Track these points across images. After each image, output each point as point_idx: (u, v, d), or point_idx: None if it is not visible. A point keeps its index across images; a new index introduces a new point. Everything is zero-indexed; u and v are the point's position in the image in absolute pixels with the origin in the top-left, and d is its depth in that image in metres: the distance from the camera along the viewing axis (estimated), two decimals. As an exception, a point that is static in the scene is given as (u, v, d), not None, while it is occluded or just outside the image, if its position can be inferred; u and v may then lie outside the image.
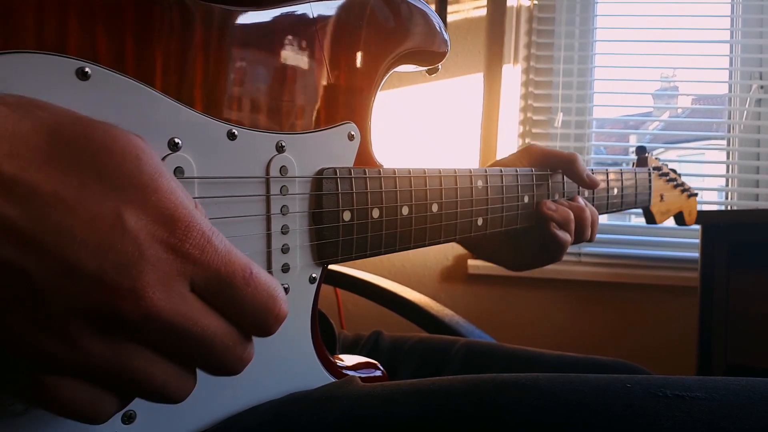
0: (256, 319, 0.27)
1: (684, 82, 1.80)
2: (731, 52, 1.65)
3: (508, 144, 1.67)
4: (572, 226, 0.61)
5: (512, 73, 1.67)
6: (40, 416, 0.29)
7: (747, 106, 1.62)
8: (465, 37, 1.70)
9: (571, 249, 1.64)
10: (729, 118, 1.66)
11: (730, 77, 1.65)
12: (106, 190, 0.23)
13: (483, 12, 1.70)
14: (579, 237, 0.63)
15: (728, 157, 1.66)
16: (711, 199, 1.70)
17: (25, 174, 0.21)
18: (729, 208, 1.65)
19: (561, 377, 0.35)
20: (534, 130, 1.71)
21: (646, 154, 0.82)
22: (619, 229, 1.70)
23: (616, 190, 0.72)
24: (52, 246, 0.22)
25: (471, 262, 1.67)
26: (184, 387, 0.26)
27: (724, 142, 1.67)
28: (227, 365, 0.27)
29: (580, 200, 0.64)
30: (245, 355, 0.27)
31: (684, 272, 1.54)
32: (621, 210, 0.75)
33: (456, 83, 1.71)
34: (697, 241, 1.25)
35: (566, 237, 0.61)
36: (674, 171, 0.87)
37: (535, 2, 1.71)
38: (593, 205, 0.67)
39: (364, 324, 1.15)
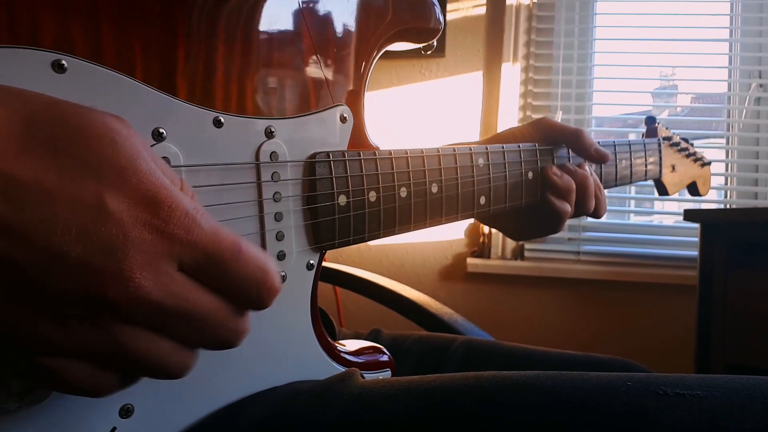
0: (248, 293, 0.27)
1: (683, 81, 1.80)
2: (730, 50, 1.65)
3: (507, 142, 1.67)
4: (573, 196, 0.60)
5: (511, 72, 1.67)
6: (34, 414, 0.29)
7: (746, 104, 1.62)
8: (464, 35, 1.70)
9: (570, 248, 1.66)
10: (728, 116, 1.67)
11: (730, 76, 1.65)
12: (86, 174, 0.23)
13: (482, 10, 1.70)
14: (580, 207, 0.61)
15: (727, 156, 1.66)
16: (710, 197, 1.70)
17: (3, 163, 0.21)
18: (728, 206, 1.65)
19: (562, 375, 0.34)
20: (533, 129, 1.71)
21: (656, 124, 0.79)
22: (618, 228, 1.70)
23: (624, 162, 0.69)
24: (36, 234, 0.22)
25: (470, 260, 1.67)
26: (185, 361, 0.26)
27: (723, 140, 1.68)
28: (222, 339, 0.27)
29: (586, 167, 0.63)
30: (240, 328, 0.27)
31: (683, 271, 1.54)
32: (631, 182, 0.73)
33: (455, 81, 1.71)
34: (696, 239, 1.25)
35: (564, 207, 0.60)
36: (686, 140, 0.84)
37: (535, 1, 1.71)
38: (601, 179, 0.66)
39: (363, 322, 1.15)
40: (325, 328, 0.57)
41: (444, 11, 1.69)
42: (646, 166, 0.74)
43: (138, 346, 0.24)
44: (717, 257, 1.19)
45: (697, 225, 1.25)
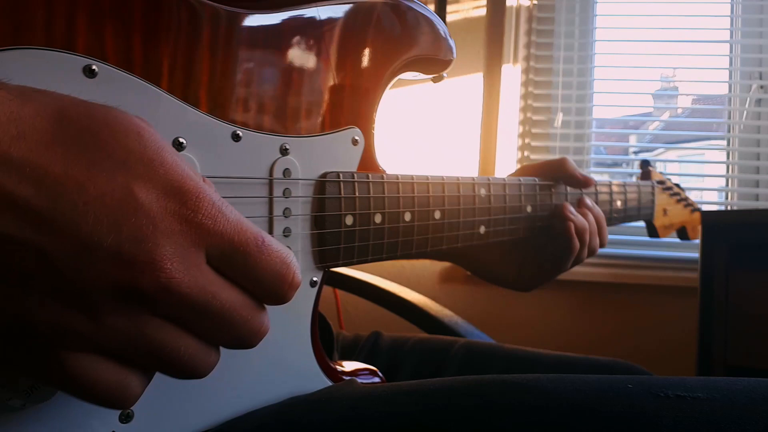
0: (271, 286, 0.27)
1: (684, 82, 1.80)
2: (731, 52, 1.65)
3: (507, 144, 1.67)
4: (587, 236, 0.61)
5: (512, 73, 1.67)
6: (39, 411, 0.29)
7: (747, 106, 1.62)
8: (464, 36, 1.70)
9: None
10: (729, 118, 1.66)
11: (730, 77, 1.65)
12: (114, 166, 0.23)
13: (482, 12, 1.70)
14: (591, 246, 0.63)
15: (728, 157, 1.66)
16: (711, 199, 1.70)
17: (34, 155, 0.22)
18: (729, 208, 1.65)
19: (563, 378, 0.34)
20: (534, 130, 1.71)
21: (650, 167, 0.83)
22: (619, 230, 1.69)
23: (619, 203, 0.72)
24: (67, 224, 0.22)
25: (470, 262, 1.67)
26: (209, 361, 0.27)
27: (724, 142, 1.67)
28: (245, 338, 0.27)
29: (588, 201, 0.65)
30: (263, 328, 0.27)
31: (684, 272, 1.54)
32: (623, 222, 0.75)
33: (455, 83, 1.71)
34: (697, 241, 1.25)
35: (577, 244, 0.61)
36: (678, 186, 0.87)
37: (535, 2, 1.71)
38: None
39: (364, 325, 1.15)
40: (323, 333, 0.57)
41: (444, 13, 1.69)
42: (639, 209, 0.77)
43: (168, 341, 0.24)
44: (718, 259, 1.19)
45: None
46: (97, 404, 0.25)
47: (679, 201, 0.87)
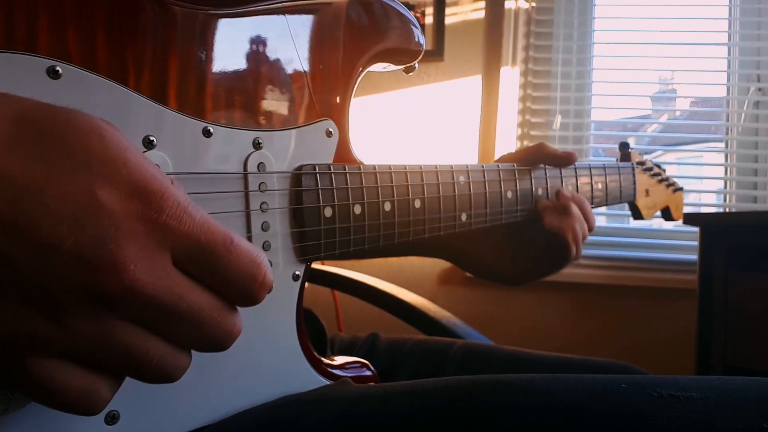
0: (241, 287, 0.26)
1: (682, 85, 1.80)
2: (729, 54, 1.65)
3: (506, 146, 1.67)
4: (579, 236, 0.61)
5: (510, 76, 1.68)
6: (21, 415, 0.29)
7: (745, 108, 1.63)
8: (463, 39, 1.70)
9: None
10: (727, 120, 1.67)
11: (728, 80, 1.66)
12: (76, 167, 0.23)
13: (481, 14, 1.71)
14: (583, 236, 0.63)
15: (726, 160, 1.67)
16: (709, 201, 1.70)
17: None
18: (727, 210, 1.65)
19: (557, 378, 0.34)
20: (532, 132, 1.71)
21: (630, 150, 0.82)
22: (618, 232, 1.70)
23: (600, 185, 0.72)
24: (27, 227, 0.21)
25: (469, 264, 1.67)
26: (180, 364, 0.26)
27: (722, 144, 1.68)
28: (216, 341, 0.26)
29: (566, 192, 0.64)
30: (234, 329, 0.27)
31: (682, 275, 1.54)
32: (606, 205, 0.75)
33: (454, 85, 1.71)
34: (696, 243, 1.25)
35: (574, 250, 0.61)
36: (658, 165, 0.87)
37: (534, 5, 1.71)
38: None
39: (362, 326, 1.14)
40: (317, 333, 0.57)
41: (443, 15, 1.69)
42: (620, 190, 0.77)
43: (135, 344, 0.24)
44: (717, 261, 1.19)
45: (696, 229, 1.25)
46: (66, 411, 0.24)
47: (660, 181, 0.87)
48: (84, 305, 0.23)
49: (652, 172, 0.84)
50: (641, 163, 0.82)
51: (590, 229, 0.64)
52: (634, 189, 0.80)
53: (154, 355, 0.25)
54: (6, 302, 0.22)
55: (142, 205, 0.24)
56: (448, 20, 1.70)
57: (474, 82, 1.70)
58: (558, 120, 1.69)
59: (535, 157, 0.62)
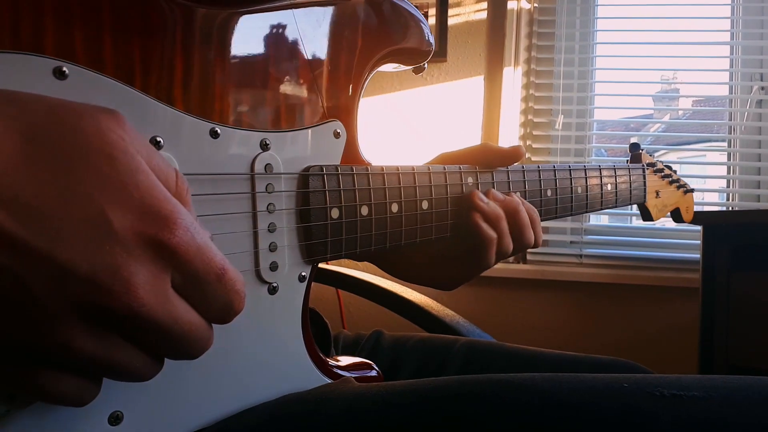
0: (220, 312, 0.28)
1: (685, 84, 1.80)
2: (732, 53, 1.65)
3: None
4: (503, 224, 0.52)
5: (513, 76, 1.68)
6: (24, 416, 0.29)
7: (748, 107, 1.63)
8: (466, 40, 1.71)
9: (572, 251, 1.66)
10: (730, 119, 1.67)
11: (731, 79, 1.65)
12: (88, 191, 0.23)
13: (484, 15, 1.71)
14: (518, 241, 0.53)
15: (729, 159, 1.66)
16: (712, 200, 1.70)
17: (4, 178, 0.21)
18: (730, 209, 1.65)
19: (558, 377, 0.34)
20: (535, 132, 1.72)
21: (640, 151, 0.82)
22: (620, 231, 1.70)
23: (609, 186, 0.71)
24: (42, 249, 0.22)
25: (472, 264, 1.67)
26: (155, 370, 0.28)
27: (725, 143, 1.68)
28: (194, 353, 0.28)
29: (515, 196, 0.54)
30: (209, 343, 0.28)
31: (685, 273, 1.54)
32: (616, 206, 0.75)
33: (457, 86, 1.72)
34: (699, 242, 1.25)
35: (491, 234, 0.51)
36: (669, 167, 0.87)
37: (536, 5, 1.72)
38: (587, 201, 0.66)
39: (365, 324, 1.15)
40: (321, 333, 0.57)
41: (445, 16, 1.70)
42: (630, 191, 0.76)
43: (125, 359, 0.25)
44: (719, 259, 1.19)
45: (699, 227, 1.25)
46: (57, 404, 0.27)
47: (671, 183, 0.86)
48: (90, 325, 0.24)
49: (662, 174, 0.84)
50: (652, 164, 0.82)
51: (536, 243, 0.55)
52: (644, 191, 0.79)
53: (136, 365, 0.26)
54: (15, 320, 0.22)
55: (154, 228, 0.24)
56: (450, 21, 1.71)
57: (476, 83, 1.71)
58: (560, 120, 1.69)
59: (484, 157, 0.54)
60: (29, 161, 0.22)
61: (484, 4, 1.71)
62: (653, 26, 1.68)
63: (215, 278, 0.26)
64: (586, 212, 0.67)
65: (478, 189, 0.53)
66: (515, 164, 0.57)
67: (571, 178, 0.64)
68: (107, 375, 0.26)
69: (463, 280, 0.58)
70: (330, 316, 0.66)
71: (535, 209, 0.56)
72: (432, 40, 0.50)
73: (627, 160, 0.83)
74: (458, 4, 1.71)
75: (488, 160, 0.55)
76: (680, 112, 1.87)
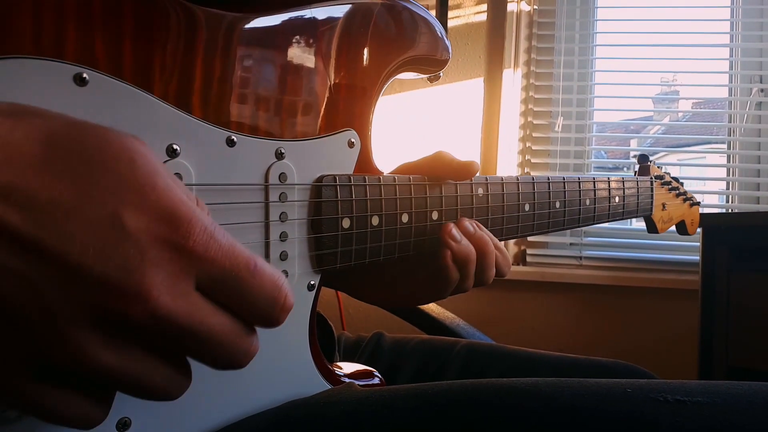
0: (263, 311, 0.26)
1: (684, 86, 1.81)
2: (731, 55, 1.65)
3: (508, 148, 1.68)
4: (471, 267, 0.47)
5: (513, 78, 1.68)
6: (34, 422, 0.29)
7: (747, 109, 1.63)
8: (465, 42, 1.71)
9: (572, 253, 1.66)
10: (729, 121, 1.67)
11: (731, 81, 1.66)
12: (104, 193, 0.23)
13: (483, 17, 1.71)
14: (478, 280, 0.49)
15: (729, 161, 1.66)
16: (712, 202, 1.70)
17: (21, 181, 0.21)
18: (730, 211, 1.65)
19: (560, 382, 0.34)
20: (534, 135, 1.72)
21: (649, 163, 0.82)
22: (620, 233, 1.70)
23: (617, 198, 0.71)
24: (54, 252, 0.21)
25: (472, 265, 1.67)
26: (182, 386, 0.26)
27: (725, 145, 1.68)
28: (233, 360, 0.26)
29: (486, 232, 0.49)
30: (251, 349, 0.27)
31: (685, 275, 1.54)
32: (623, 218, 0.75)
33: (456, 88, 1.72)
34: (698, 244, 1.25)
35: (455, 275, 0.47)
36: (677, 180, 0.87)
37: (536, 7, 1.72)
38: (595, 213, 0.66)
39: (366, 326, 1.15)
40: (326, 337, 0.57)
41: (445, 18, 1.70)
42: (638, 204, 0.76)
43: (146, 373, 0.24)
44: (719, 261, 1.19)
45: (698, 229, 1.25)
46: (58, 425, 0.24)
47: (678, 195, 0.87)
48: (104, 333, 0.23)
49: (669, 186, 0.85)
50: (660, 177, 0.82)
51: (500, 275, 0.51)
52: (652, 203, 0.80)
53: (159, 382, 0.25)
54: (26, 326, 0.22)
55: (170, 230, 0.24)
56: (450, 23, 1.71)
57: (476, 85, 1.71)
58: (560, 122, 1.69)
59: (436, 168, 0.49)
60: (49, 164, 0.22)
61: (484, 6, 1.71)
62: (653, 28, 1.68)
63: (246, 273, 0.25)
64: (593, 224, 0.68)
65: (488, 202, 0.52)
66: (526, 176, 0.57)
67: (580, 190, 0.64)
68: (126, 390, 0.25)
69: (419, 303, 0.53)
70: (330, 317, 0.66)
71: (504, 248, 0.51)
72: (450, 48, 0.50)
73: (635, 172, 0.84)
74: (458, 6, 1.72)
75: (438, 172, 0.49)
76: (680, 114, 1.87)
